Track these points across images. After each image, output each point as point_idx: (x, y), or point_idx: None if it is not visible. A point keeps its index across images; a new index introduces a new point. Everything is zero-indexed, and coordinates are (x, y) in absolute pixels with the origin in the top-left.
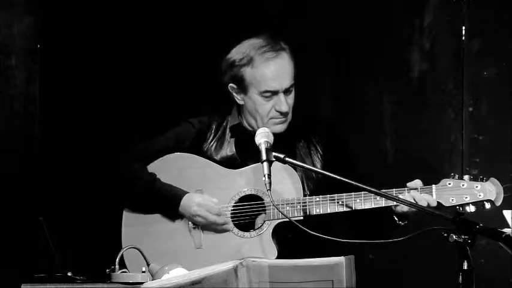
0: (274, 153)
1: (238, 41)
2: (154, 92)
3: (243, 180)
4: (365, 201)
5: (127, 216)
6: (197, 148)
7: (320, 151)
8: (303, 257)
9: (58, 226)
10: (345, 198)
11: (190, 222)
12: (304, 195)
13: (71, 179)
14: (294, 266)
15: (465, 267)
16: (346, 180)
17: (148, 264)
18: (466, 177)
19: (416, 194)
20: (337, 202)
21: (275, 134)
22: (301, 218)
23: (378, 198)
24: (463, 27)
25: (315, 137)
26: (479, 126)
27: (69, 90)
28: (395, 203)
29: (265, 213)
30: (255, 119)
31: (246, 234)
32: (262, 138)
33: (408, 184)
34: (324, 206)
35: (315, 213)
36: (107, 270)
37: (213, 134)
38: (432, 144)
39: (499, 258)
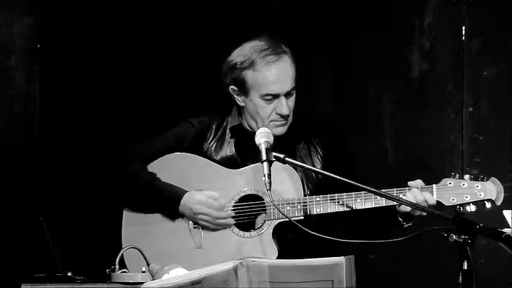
0: (274, 153)
1: (239, 42)
2: (154, 92)
3: (243, 180)
4: (365, 201)
5: (127, 216)
6: (197, 148)
7: (320, 152)
8: (303, 257)
9: (58, 226)
10: (346, 198)
11: (190, 222)
12: (305, 195)
13: (70, 179)
14: (294, 266)
15: (465, 267)
16: (346, 180)
17: (148, 264)
18: (466, 176)
19: (417, 192)
20: (338, 202)
21: (275, 136)
22: (302, 217)
23: (379, 198)
24: (463, 27)
25: (315, 138)
26: (479, 126)
27: (69, 90)
28: (396, 203)
29: (265, 213)
30: (256, 121)
31: (247, 234)
32: (262, 138)
33: (409, 183)
34: (324, 205)
35: (315, 213)
36: (107, 270)
37: (213, 134)
38: (432, 144)
39: (499, 258)
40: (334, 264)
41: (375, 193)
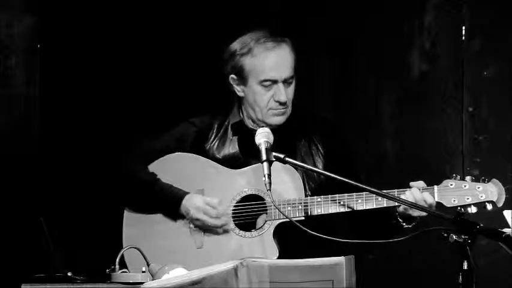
0: (274, 153)
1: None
2: (155, 92)
3: (244, 180)
4: (366, 202)
5: (127, 216)
6: (199, 147)
7: (321, 150)
8: (303, 257)
9: (58, 226)
10: (347, 198)
11: (191, 222)
12: (306, 196)
13: (71, 179)
14: (294, 266)
15: (465, 267)
16: (347, 180)
17: (148, 264)
18: (467, 178)
19: (416, 192)
20: (339, 202)
21: (274, 129)
22: (302, 218)
23: (380, 198)
24: (463, 27)
25: (316, 137)
26: (479, 126)
27: (69, 90)
28: (396, 203)
29: (266, 213)
30: (254, 110)
31: (247, 234)
32: (262, 138)
33: (411, 184)
34: (325, 206)
35: (316, 214)
36: (107, 270)
37: (214, 133)
38: (432, 145)
39: (499, 258)
40: (334, 264)
41: (376, 193)
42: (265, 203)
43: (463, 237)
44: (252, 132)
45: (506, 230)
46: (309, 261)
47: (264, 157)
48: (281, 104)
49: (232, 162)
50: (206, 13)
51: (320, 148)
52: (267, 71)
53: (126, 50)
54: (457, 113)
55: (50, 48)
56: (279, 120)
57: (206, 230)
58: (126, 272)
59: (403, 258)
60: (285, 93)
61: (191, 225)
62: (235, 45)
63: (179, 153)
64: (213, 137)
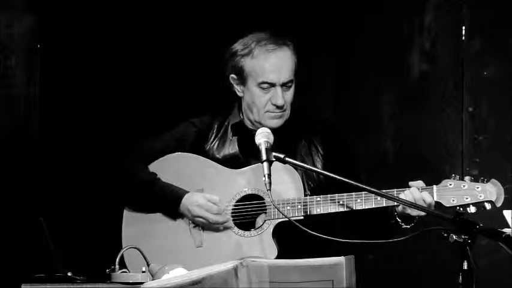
0: (274, 153)
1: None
2: (155, 92)
3: (244, 180)
4: (366, 202)
5: (127, 216)
6: (199, 148)
7: (321, 151)
8: (303, 257)
9: (58, 226)
10: (346, 198)
11: (190, 222)
12: (305, 195)
13: (71, 179)
14: (294, 266)
15: (465, 267)
16: (346, 180)
17: (148, 264)
18: (467, 178)
19: (415, 191)
20: (338, 202)
21: (274, 130)
22: (302, 217)
23: (379, 198)
24: (463, 27)
25: (316, 137)
26: (479, 126)
27: (69, 90)
28: (396, 203)
29: (265, 213)
30: (252, 112)
31: (247, 233)
32: (262, 138)
33: (411, 183)
34: (324, 206)
35: (315, 213)
36: (107, 270)
37: (214, 133)
38: (432, 144)
39: (499, 258)
40: (334, 264)
41: (375, 193)
42: (264, 203)
43: (463, 237)
44: (252, 133)
45: (506, 230)
46: (309, 261)
47: (264, 157)
48: (278, 107)
49: (232, 162)
50: (206, 13)
51: (320, 149)
52: (266, 73)
53: (126, 50)
54: (457, 113)
55: (50, 48)
56: (275, 123)
57: (206, 229)
58: (126, 272)
59: (403, 258)
60: (283, 97)
61: (191, 225)
62: (237, 46)
63: (179, 153)
64: (213, 137)
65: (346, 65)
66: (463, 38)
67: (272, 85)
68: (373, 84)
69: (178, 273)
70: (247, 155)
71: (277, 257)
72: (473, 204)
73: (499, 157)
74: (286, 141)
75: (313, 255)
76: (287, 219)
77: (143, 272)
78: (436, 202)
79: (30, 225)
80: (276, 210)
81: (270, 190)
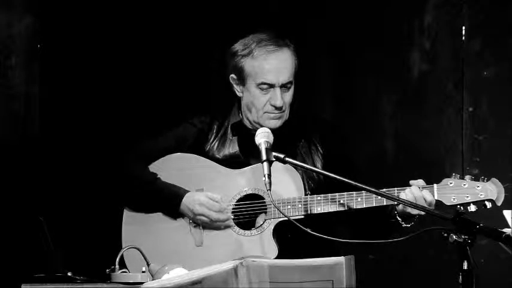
0: (274, 153)
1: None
2: (155, 92)
3: (244, 180)
4: (366, 201)
5: (127, 216)
6: (199, 148)
7: (320, 150)
8: (303, 257)
9: (58, 226)
10: (346, 197)
11: (191, 221)
12: (306, 195)
13: (71, 179)
14: (294, 266)
15: (465, 267)
16: (346, 180)
17: (148, 264)
18: (467, 177)
19: (416, 190)
20: (338, 201)
21: (274, 130)
22: (302, 217)
23: (379, 197)
24: (463, 27)
25: (315, 137)
26: (479, 126)
27: (69, 90)
28: (396, 202)
29: (265, 212)
30: (250, 112)
31: (247, 232)
32: (262, 138)
33: (411, 182)
34: (325, 205)
35: (316, 213)
36: (107, 270)
37: (214, 133)
38: (432, 144)
39: (499, 258)
40: (334, 264)
41: (375, 193)
42: (265, 202)
43: (463, 237)
44: (252, 133)
45: (506, 230)
46: (309, 261)
47: (264, 157)
48: (277, 108)
49: (232, 162)
50: (207, 14)
51: (319, 148)
52: (265, 74)
53: (126, 50)
54: (457, 113)
55: (50, 48)
56: (273, 124)
57: (206, 228)
58: (126, 272)
59: (403, 258)
60: (282, 98)
61: (191, 224)
62: (237, 46)
63: (179, 153)
64: (213, 137)
65: (346, 65)
66: (463, 38)
67: (271, 86)
68: (373, 84)
69: (178, 273)
70: (247, 155)
71: (277, 257)
72: (474, 202)
73: (499, 157)
74: (286, 141)
75: (313, 255)
76: (287, 219)
77: (143, 272)
78: (437, 201)
79: (30, 224)
80: (276, 209)
81: (270, 190)
